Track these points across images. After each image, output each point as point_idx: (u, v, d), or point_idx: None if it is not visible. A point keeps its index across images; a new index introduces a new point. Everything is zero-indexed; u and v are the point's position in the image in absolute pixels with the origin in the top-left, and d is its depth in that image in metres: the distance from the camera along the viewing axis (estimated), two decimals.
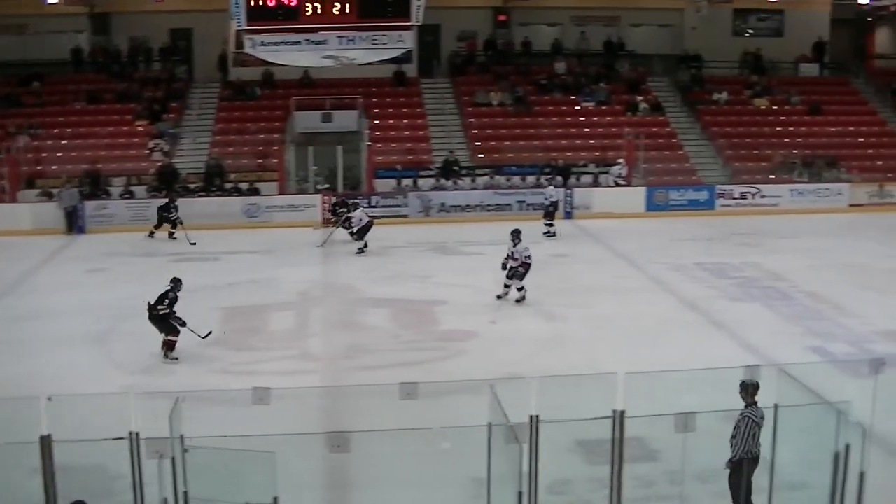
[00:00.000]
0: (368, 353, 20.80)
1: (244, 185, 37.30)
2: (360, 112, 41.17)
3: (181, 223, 32.95)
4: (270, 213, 35.75)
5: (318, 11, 27.03)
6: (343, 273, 28.63)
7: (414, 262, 29.55)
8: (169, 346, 20.01)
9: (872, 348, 20.74)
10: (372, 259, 30.14)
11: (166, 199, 33.96)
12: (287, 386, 15.80)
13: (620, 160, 38.72)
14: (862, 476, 11.19)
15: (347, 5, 27.07)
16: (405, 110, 42.94)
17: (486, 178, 38.46)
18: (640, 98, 43.34)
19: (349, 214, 31.98)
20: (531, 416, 10.32)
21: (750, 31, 48.36)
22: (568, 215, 36.29)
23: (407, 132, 41.63)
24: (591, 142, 41.39)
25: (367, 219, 31.27)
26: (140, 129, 40.67)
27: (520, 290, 24.72)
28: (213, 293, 25.60)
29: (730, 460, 12.61)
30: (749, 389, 12.61)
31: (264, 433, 9.65)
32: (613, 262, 29.83)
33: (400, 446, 11.58)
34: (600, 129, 42.10)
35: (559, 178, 38.08)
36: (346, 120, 40.65)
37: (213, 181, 37.38)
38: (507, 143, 41.24)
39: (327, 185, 37.81)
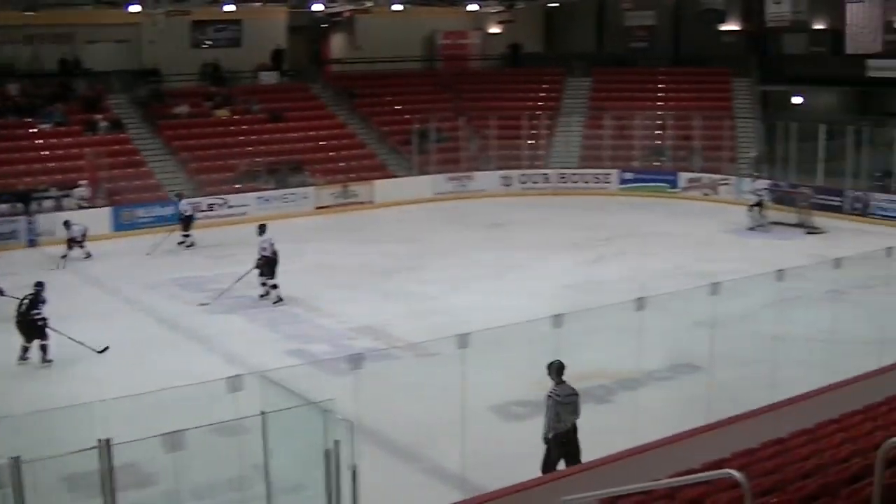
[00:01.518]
0: None
1: None
2: None
3: None
4: None
5: None
6: None
7: None
8: (44, 350, 20.76)
9: (351, 345, 21.23)
10: None
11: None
12: None
13: (82, 182, 37.40)
14: (354, 469, 11.28)
15: None
16: None
17: None
18: (99, 116, 42.09)
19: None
20: (11, 458, 9.64)
21: (208, 43, 48.26)
22: (31, 243, 34.52)
23: None
24: (52, 165, 39.55)
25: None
26: None
27: (273, 287, 26.19)
28: None
29: (544, 436, 14.01)
30: (554, 370, 14.00)
31: None
32: (84, 288, 28.70)
33: None
34: (60, 152, 40.35)
35: (22, 205, 36.27)
36: None
37: None
38: None
39: None
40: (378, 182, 41.58)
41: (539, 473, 13.70)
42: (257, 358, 20.40)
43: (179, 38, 46.52)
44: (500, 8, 50.40)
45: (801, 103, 49.97)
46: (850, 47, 37.41)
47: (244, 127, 43.81)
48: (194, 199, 37.33)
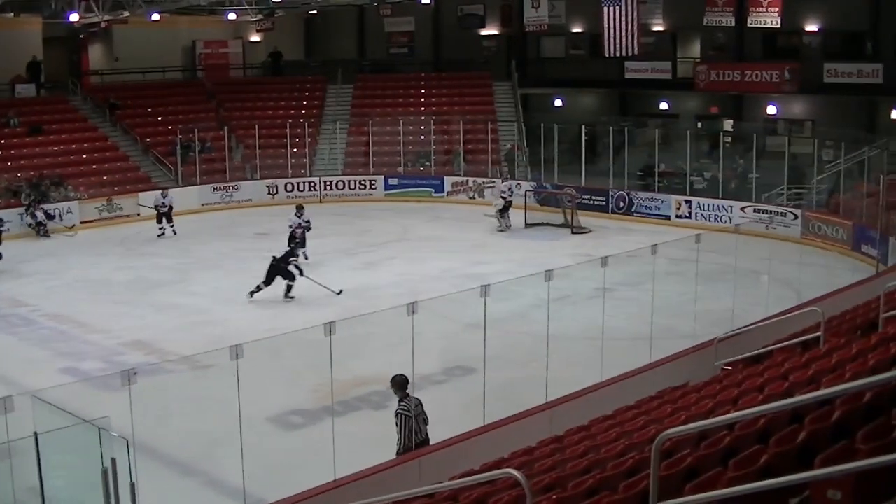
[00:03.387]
0: None
1: None
2: None
3: None
4: None
5: None
6: None
7: None
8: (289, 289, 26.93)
9: (123, 360, 20.83)
10: None
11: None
12: None
13: None
14: (133, 486, 11.08)
15: None
16: None
17: None
18: None
19: None
20: None
21: None
22: None
23: None
24: None
25: None
26: None
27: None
28: None
29: (397, 452, 13.97)
30: (397, 386, 14.17)
31: None
32: None
33: None
34: None
35: None
36: None
37: None
38: None
39: None
40: (143, 194, 40.75)
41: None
42: (27, 378, 19.78)
43: None
44: (260, 16, 50.04)
45: (562, 105, 51.28)
46: (608, 50, 38.35)
47: (2, 141, 42.33)
48: None
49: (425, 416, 14.45)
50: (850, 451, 7.28)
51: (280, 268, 26.59)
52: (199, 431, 17.27)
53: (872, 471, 6.43)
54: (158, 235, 36.18)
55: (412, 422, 14.08)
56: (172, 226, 36.66)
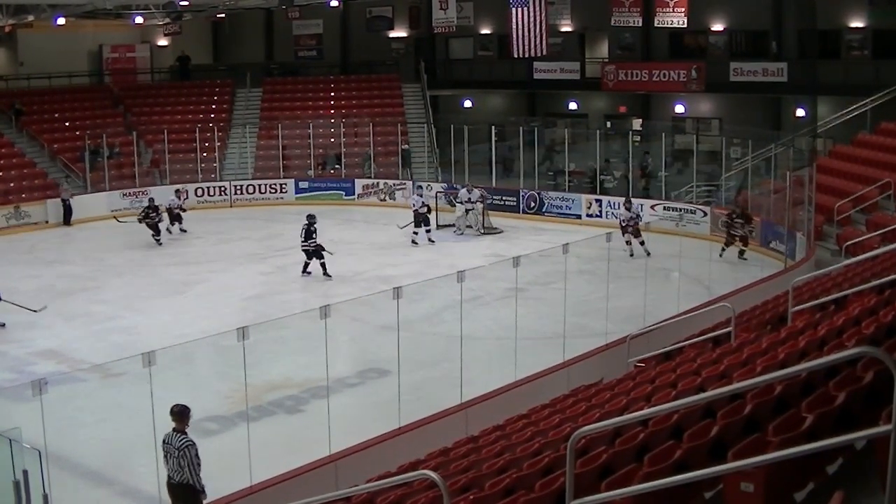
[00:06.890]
0: None
1: None
2: None
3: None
4: None
5: None
6: None
7: None
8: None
9: (34, 370, 20.50)
10: None
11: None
12: None
13: None
14: (46, 498, 10.92)
15: None
16: None
17: None
18: None
19: None
20: None
21: None
22: None
23: None
24: None
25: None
26: None
27: None
28: None
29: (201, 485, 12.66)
30: (175, 415, 12.60)
31: None
32: None
33: None
34: None
35: None
36: None
37: None
38: None
39: None
40: (51, 201, 40.11)
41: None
42: None
43: None
44: (167, 20, 49.47)
45: (472, 106, 51.39)
46: (517, 51, 38.52)
47: None
48: None
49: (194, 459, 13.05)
50: (761, 443, 7.36)
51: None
52: (112, 440, 17.06)
53: (783, 462, 6.51)
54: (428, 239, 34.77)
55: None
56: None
